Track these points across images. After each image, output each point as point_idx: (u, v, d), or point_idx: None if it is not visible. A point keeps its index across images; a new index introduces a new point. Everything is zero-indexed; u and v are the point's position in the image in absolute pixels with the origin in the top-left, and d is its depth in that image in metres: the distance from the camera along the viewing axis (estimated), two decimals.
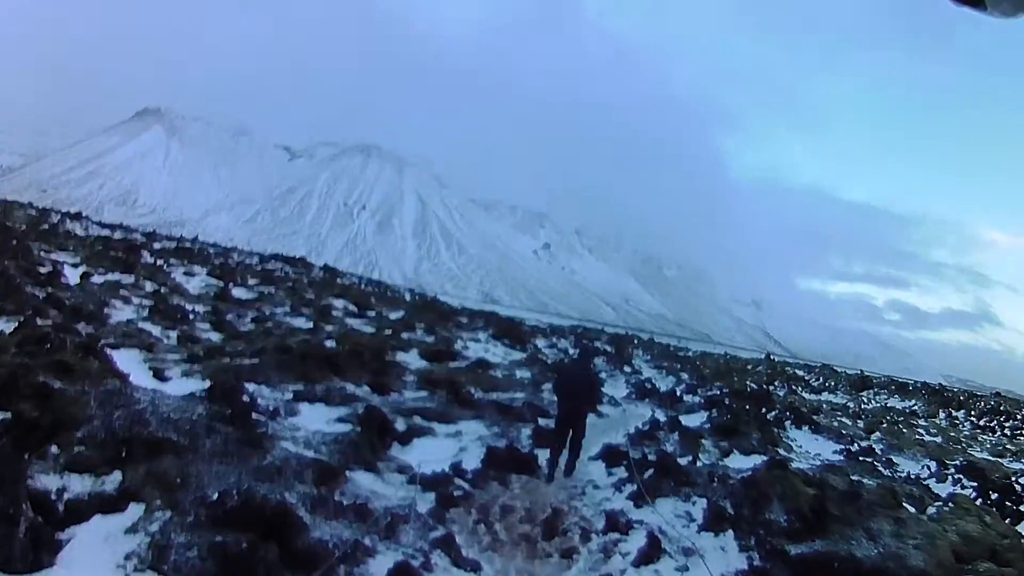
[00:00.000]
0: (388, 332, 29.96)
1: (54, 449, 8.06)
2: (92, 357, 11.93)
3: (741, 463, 15.52)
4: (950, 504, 12.71)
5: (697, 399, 27.82)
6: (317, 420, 13.72)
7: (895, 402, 44.50)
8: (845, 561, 9.17)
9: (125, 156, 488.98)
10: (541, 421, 17.65)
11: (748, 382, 41.14)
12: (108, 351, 13.41)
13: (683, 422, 20.12)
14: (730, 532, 10.60)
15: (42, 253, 30.01)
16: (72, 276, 26.31)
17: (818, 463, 18.02)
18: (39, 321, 15.72)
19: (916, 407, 42.39)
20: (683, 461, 14.81)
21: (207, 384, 13.04)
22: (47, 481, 7.49)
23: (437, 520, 9.83)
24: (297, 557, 7.45)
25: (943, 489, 17.24)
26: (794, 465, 16.07)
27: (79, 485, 7.73)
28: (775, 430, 21.83)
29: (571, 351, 41.76)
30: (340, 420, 13.95)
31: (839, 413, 32.10)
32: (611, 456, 15.08)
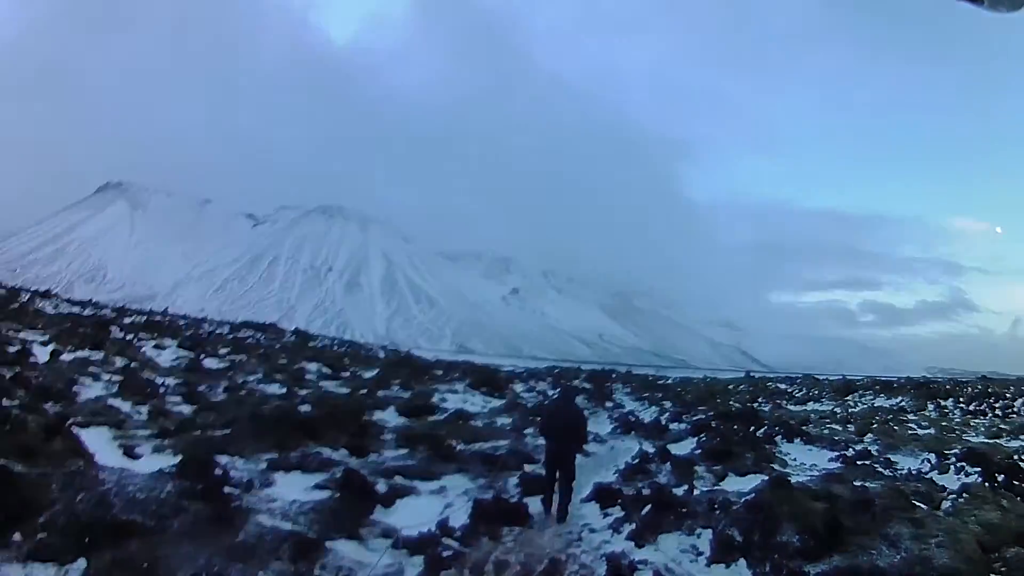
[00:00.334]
0: (363, 391, 29.46)
1: (17, 537, 7.67)
2: (58, 437, 11.40)
3: (739, 485, 15.06)
4: (964, 495, 12.34)
5: (683, 426, 27.38)
6: (293, 489, 12.98)
7: (882, 401, 44.24)
8: (869, 574, 8.63)
9: (91, 232, 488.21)
10: (527, 467, 17.07)
11: (732, 402, 40.59)
12: (76, 430, 12.85)
13: (673, 451, 19.58)
14: (742, 561, 10.01)
15: (11, 332, 29.52)
16: (41, 354, 25.84)
17: (817, 473, 17.43)
18: (4, 402, 15.08)
19: (904, 403, 42.13)
20: (679, 491, 14.23)
21: (178, 459, 12.43)
22: (10, 571, 7.16)
23: None
24: None
25: (947, 480, 16.76)
26: (793, 479, 15.61)
27: (43, 574, 7.34)
28: (767, 447, 21.43)
29: (551, 393, 41.00)
30: (318, 487, 13.23)
31: (828, 420, 31.77)
32: (604, 496, 14.34)
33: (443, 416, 25.12)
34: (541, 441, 17.23)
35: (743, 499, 11.63)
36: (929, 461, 19.40)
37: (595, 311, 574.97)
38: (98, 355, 28.30)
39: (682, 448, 21.15)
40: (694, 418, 29.56)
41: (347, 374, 37.71)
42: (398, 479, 14.92)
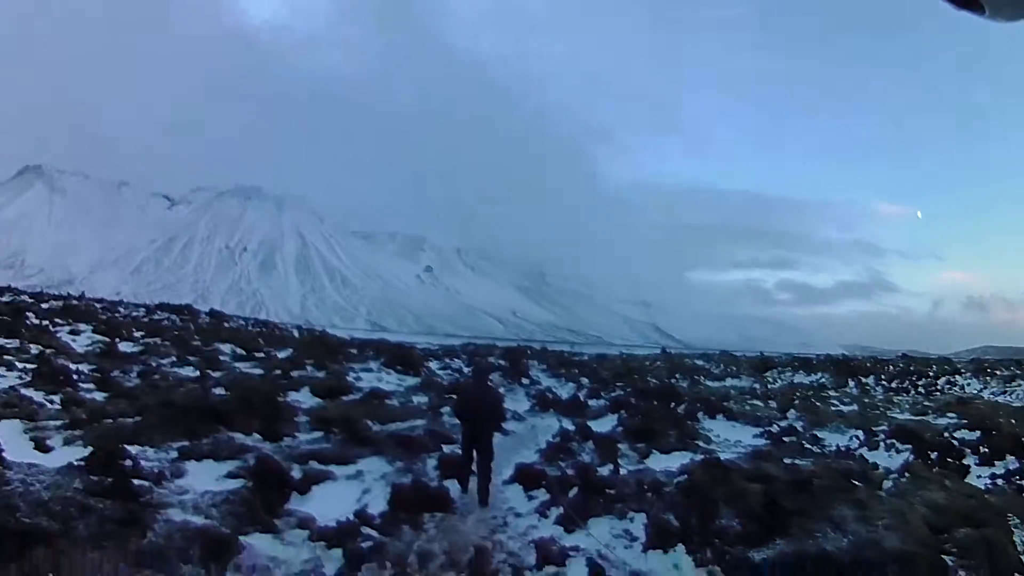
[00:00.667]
0: (277, 373, 28.49)
1: None
2: None
3: (664, 463, 14.81)
4: (906, 475, 12.07)
5: (602, 403, 27.14)
6: (206, 479, 12.13)
7: (801, 378, 44.44)
8: (817, 559, 8.19)
9: (9, 217, 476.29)
10: (446, 448, 16.48)
11: (650, 379, 40.16)
12: None
13: (593, 429, 19.22)
14: (680, 547, 9.40)
15: None
16: None
17: (744, 451, 17.39)
18: None
19: (824, 380, 42.37)
20: (604, 471, 13.75)
21: (88, 451, 11.62)
22: None
23: None
24: None
25: (878, 457, 16.72)
26: (720, 457, 15.32)
27: None
28: (690, 424, 21.17)
29: (466, 371, 40.66)
30: (230, 476, 12.41)
31: (748, 397, 31.54)
32: (527, 477, 13.76)
33: (358, 396, 24.44)
34: (458, 421, 16.84)
35: (675, 481, 11.21)
36: (857, 438, 19.42)
37: (509, 289, 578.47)
38: (13, 343, 27.37)
39: (603, 425, 20.78)
40: (612, 394, 29.42)
41: (261, 355, 36.67)
42: (313, 464, 14.06)
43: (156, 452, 13.68)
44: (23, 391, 18.98)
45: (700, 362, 60.64)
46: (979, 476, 14.98)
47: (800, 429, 21.05)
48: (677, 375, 45.71)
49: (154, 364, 27.99)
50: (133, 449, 12.72)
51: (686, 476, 10.83)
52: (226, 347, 37.45)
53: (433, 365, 42.95)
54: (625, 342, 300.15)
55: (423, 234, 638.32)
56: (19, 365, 22.90)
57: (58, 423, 15.76)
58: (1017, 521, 10.21)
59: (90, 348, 30.95)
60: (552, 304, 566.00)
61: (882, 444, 18.25)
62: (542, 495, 12.62)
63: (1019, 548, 9.28)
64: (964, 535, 8.88)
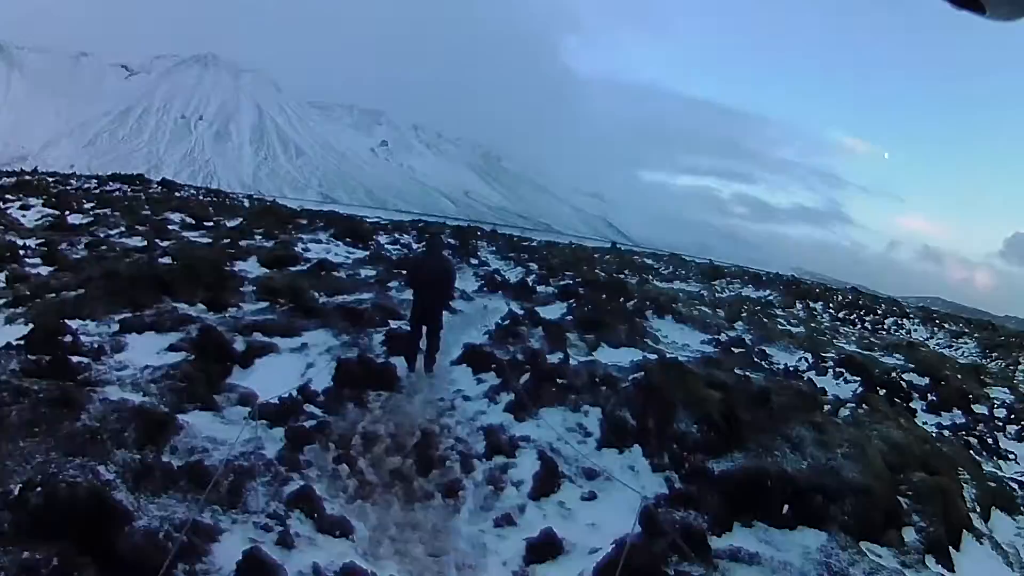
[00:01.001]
0: (225, 242, 28.05)
1: None
2: None
3: (613, 358, 14.54)
4: (863, 406, 11.93)
5: (551, 290, 26.83)
6: (146, 352, 11.58)
7: (749, 292, 44.79)
8: (777, 478, 7.93)
9: None
10: (392, 323, 16.04)
11: (598, 271, 40.14)
12: None
13: (542, 315, 18.82)
14: (637, 448, 9.15)
15: None
16: None
17: (692, 355, 17.24)
18: None
19: (772, 297, 42.63)
20: (554, 359, 13.35)
21: (29, 328, 11.35)
22: None
23: (290, 467, 7.79)
24: (122, 565, 5.45)
25: (826, 383, 16.88)
26: (669, 357, 15.17)
27: None
28: (638, 320, 20.99)
29: (416, 247, 40.30)
30: (172, 348, 11.87)
31: (696, 302, 31.42)
32: (476, 359, 13.35)
33: (306, 267, 24.08)
34: (406, 295, 17.07)
35: (631, 377, 10.81)
36: (806, 360, 19.39)
37: (463, 169, 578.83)
38: None
39: (551, 312, 20.45)
40: (561, 283, 29.09)
41: (210, 224, 36.24)
42: (257, 336, 13.56)
43: (98, 325, 13.11)
44: None
45: (649, 261, 60.73)
46: (925, 423, 14.99)
47: (749, 342, 21.00)
48: (626, 271, 45.77)
49: (102, 235, 27.45)
50: (75, 324, 12.33)
51: (643, 373, 10.44)
52: (176, 216, 36.96)
53: (382, 239, 42.54)
54: (575, 233, 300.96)
55: (381, 108, 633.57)
56: None
57: (1, 301, 15.32)
58: (967, 476, 10.25)
59: (39, 222, 30.42)
60: (505, 188, 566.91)
61: (831, 371, 18.30)
62: (491, 379, 12.22)
63: (967, 503, 9.30)
64: (920, 480, 8.82)
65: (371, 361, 12.09)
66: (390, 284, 21.82)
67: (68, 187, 50.70)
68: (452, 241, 45.63)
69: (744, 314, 28.86)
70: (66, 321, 12.05)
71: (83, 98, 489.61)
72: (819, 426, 9.18)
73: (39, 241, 24.02)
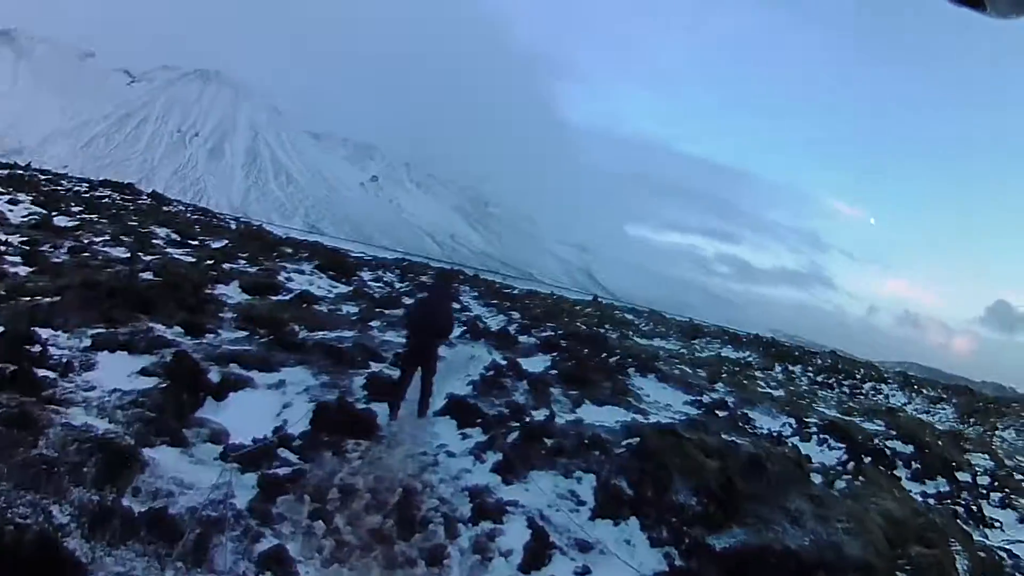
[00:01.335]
0: (209, 262, 28.02)
1: None
2: None
3: (596, 416, 14.38)
4: (861, 478, 11.61)
5: (532, 340, 26.57)
6: (117, 374, 11.00)
7: (729, 352, 44.67)
8: (780, 554, 7.59)
9: None
10: (374, 366, 15.70)
11: (579, 323, 40.16)
12: None
13: (524, 366, 18.49)
14: (634, 520, 8.63)
15: None
16: None
17: (674, 416, 16.91)
18: None
19: (751, 359, 42.52)
20: (539, 415, 13.13)
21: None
22: None
23: (262, 520, 7.24)
24: None
25: (810, 450, 16.33)
26: (652, 418, 15.14)
27: None
28: (620, 378, 20.52)
29: (398, 285, 40.98)
30: (144, 372, 11.31)
31: (677, 361, 31.14)
32: (460, 411, 12.90)
33: (287, 297, 23.94)
34: (387, 336, 17.67)
35: (625, 443, 10.36)
36: (790, 425, 18.93)
37: (450, 211, 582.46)
38: None
39: (534, 364, 20.07)
40: (543, 334, 28.82)
41: (196, 243, 36.18)
42: (233, 367, 13.06)
43: (69, 338, 12.60)
44: None
45: (630, 316, 60.90)
46: (910, 491, 14.72)
47: (731, 404, 20.53)
48: (607, 325, 45.74)
49: (86, 241, 27.22)
50: (46, 333, 11.95)
51: (639, 439, 10.03)
52: (162, 231, 36.84)
53: (365, 275, 42.71)
54: (556, 283, 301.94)
55: (375, 143, 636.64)
56: None
57: None
58: (959, 547, 9.89)
59: (25, 219, 30.12)
60: (490, 233, 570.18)
61: (815, 437, 17.88)
62: (477, 434, 11.77)
63: (961, 575, 9.03)
64: (917, 554, 8.48)
65: (351, 406, 11.57)
66: (372, 323, 21.65)
67: (59, 187, 51.08)
68: (456, 285, 45.76)
69: (724, 375, 28.52)
70: (37, 329, 11.68)
71: (85, 98, 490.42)
72: (817, 499, 8.86)
73: (22, 239, 23.80)
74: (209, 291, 20.34)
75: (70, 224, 31.56)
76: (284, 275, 29.64)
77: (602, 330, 39.31)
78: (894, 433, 20.02)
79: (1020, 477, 19.59)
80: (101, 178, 74.49)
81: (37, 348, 10.61)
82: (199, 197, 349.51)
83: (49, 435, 7.02)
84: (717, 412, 18.84)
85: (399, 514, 8.23)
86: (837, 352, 62.36)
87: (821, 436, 17.84)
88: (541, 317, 37.99)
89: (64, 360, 10.95)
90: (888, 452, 17.25)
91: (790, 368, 41.33)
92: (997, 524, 14.15)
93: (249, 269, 29.09)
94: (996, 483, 17.33)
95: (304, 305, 22.87)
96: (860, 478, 12.06)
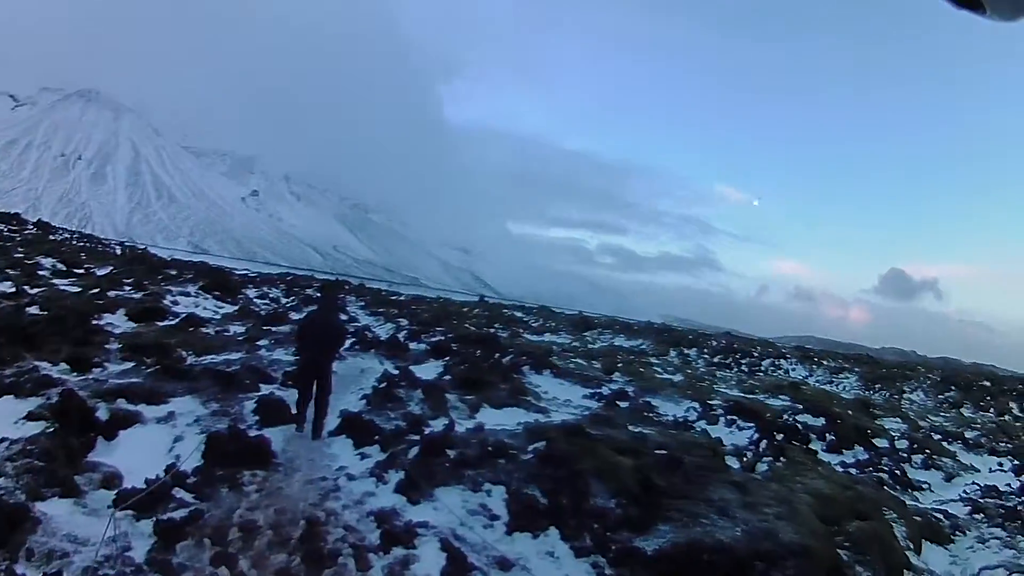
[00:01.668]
0: (94, 291, 26.89)
1: None
2: None
3: (496, 419, 13.93)
4: (782, 458, 11.40)
5: (423, 346, 26.33)
6: (4, 421, 10.02)
7: (622, 341, 45.03)
8: (714, 550, 7.23)
9: None
10: (264, 388, 15.12)
11: (468, 326, 39.67)
12: None
13: (417, 374, 18.06)
14: (553, 530, 8.18)
15: None
16: None
17: (575, 411, 16.54)
18: None
19: (644, 346, 42.82)
20: (437, 424, 12.73)
21: None
22: None
23: (162, 572, 6.59)
24: None
25: (719, 432, 16.22)
26: (554, 416, 14.78)
27: None
28: (516, 377, 20.19)
29: (283, 300, 40.96)
30: (31, 417, 10.35)
31: (571, 355, 31.01)
32: (356, 428, 12.36)
33: (174, 321, 23.21)
34: (276, 355, 17.34)
35: (532, 448, 9.94)
36: (695, 409, 18.80)
37: (331, 220, 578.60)
38: None
39: (426, 371, 19.72)
40: (432, 339, 28.61)
41: (81, 271, 35.02)
42: (121, 403, 12.14)
43: None
44: None
45: (519, 314, 60.77)
46: (828, 463, 14.65)
47: (631, 393, 20.32)
48: (497, 324, 45.64)
49: None
50: None
51: (545, 443, 9.59)
52: (47, 261, 35.47)
53: (251, 292, 42.45)
54: (442, 286, 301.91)
55: (254, 155, 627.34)
56: None
57: None
58: (894, 514, 9.84)
59: None
60: (372, 240, 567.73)
61: (722, 419, 17.73)
62: (375, 452, 11.21)
63: (900, 542, 8.96)
64: (856, 529, 8.35)
65: (243, 434, 10.84)
66: (260, 342, 21.22)
67: None
68: (343, 296, 45.24)
69: (620, 365, 28.33)
70: None
71: None
72: (740, 486, 8.69)
73: None
74: (96, 321, 19.62)
75: None
76: (170, 298, 28.91)
77: (492, 330, 39.12)
78: (801, 407, 20.16)
79: (938, 437, 19.98)
80: None
81: None
82: (85, 223, 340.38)
83: None
84: (618, 403, 18.67)
85: (305, 549, 7.57)
86: (732, 333, 63.32)
87: (728, 418, 17.77)
88: (430, 322, 37.74)
89: None
90: (800, 427, 17.24)
91: (685, 352, 41.78)
92: (925, 486, 14.20)
93: (135, 295, 28.16)
94: (915, 445, 17.48)
95: (191, 328, 22.23)
96: (781, 458, 11.85)
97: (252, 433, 11.18)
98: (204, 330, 22.72)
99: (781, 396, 23.63)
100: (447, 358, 22.48)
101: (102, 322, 20.09)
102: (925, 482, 14.49)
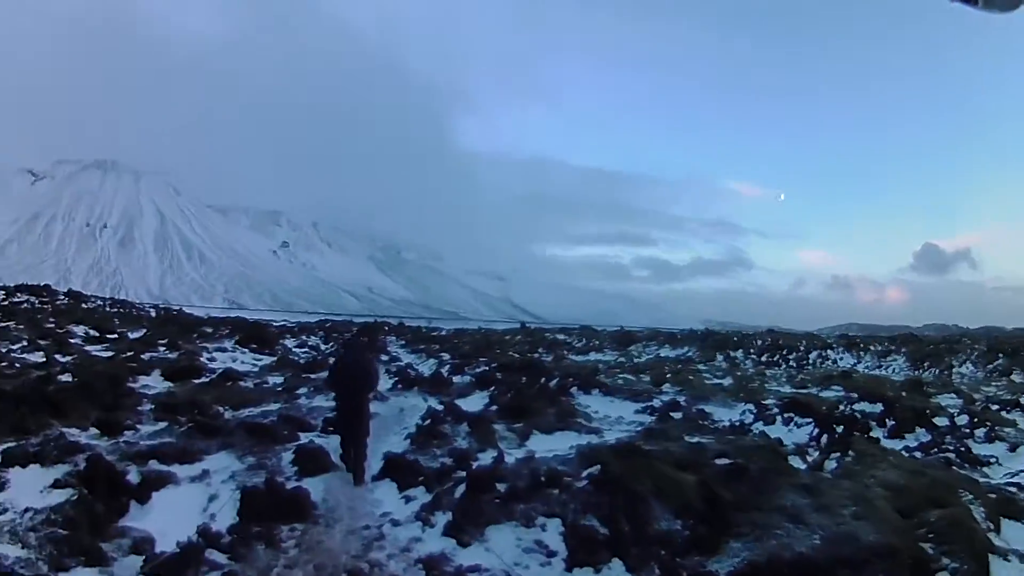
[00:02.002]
0: (127, 354, 26.95)
1: None
2: None
3: (548, 445, 13.39)
4: (850, 453, 10.72)
5: (467, 378, 26.03)
6: (30, 491, 9.63)
7: (667, 352, 44.73)
8: (793, 563, 6.62)
9: None
10: (303, 437, 14.64)
11: (511, 353, 39.42)
12: None
13: (462, 408, 17.54)
14: (616, 563, 7.47)
15: None
16: None
17: (629, 428, 16.20)
18: None
19: (690, 353, 42.44)
20: (486, 458, 11.98)
21: None
22: None
23: None
24: None
25: (778, 431, 15.68)
26: (607, 436, 14.29)
27: None
28: (564, 399, 19.78)
29: (323, 347, 40.95)
30: (57, 484, 9.92)
31: (618, 370, 30.77)
32: (399, 471, 11.82)
33: (210, 378, 22.90)
34: (315, 403, 17.20)
35: (585, 473, 9.22)
36: (751, 412, 18.26)
37: (364, 263, 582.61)
38: None
39: (472, 404, 19.33)
40: (476, 370, 28.25)
41: (115, 336, 35.28)
42: (153, 464, 11.77)
43: None
44: None
45: (561, 336, 60.62)
46: (894, 451, 13.99)
47: (684, 403, 19.75)
48: (540, 349, 45.50)
49: (4, 350, 25.99)
50: None
51: (599, 467, 8.95)
52: (80, 329, 35.88)
53: (289, 343, 42.70)
54: (480, 317, 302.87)
55: (279, 208, 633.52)
56: None
57: None
58: (970, 496, 9.09)
59: None
60: (407, 279, 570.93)
61: (779, 418, 17.16)
62: (421, 494, 10.61)
63: (982, 525, 8.25)
64: (936, 517, 7.67)
65: (280, 488, 10.31)
66: (299, 391, 20.95)
67: None
68: (383, 337, 45.24)
69: (668, 375, 27.88)
70: None
71: None
72: (811, 488, 8.06)
73: None
74: (131, 384, 19.37)
75: None
76: (206, 356, 29.03)
77: (536, 355, 38.99)
78: (855, 395, 19.76)
79: (995, 407, 19.27)
80: (16, 283, 72.63)
81: None
82: (118, 289, 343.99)
83: None
84: (671, 415, 18.19)
85: None
86: (774, 329, 62.74)
87: (785, 416, 17.29)
88: (472, 354, 37.36)
89: None
90: (858, 416, 16.71)
91: (732, 355, 41.47)
92: (992, 460, 13.62)
93: (169, 355, 28.21)
94: (975, 419, 16.86)
95: (228, 383, 21.99)
96: (849, 452, 11.16)
97: (290, 485, 10.72)
98: (242, 384, 22.46)
99: (833, 387, 23.28)
100: (492, 388, 22.02)
101: (136, 384, 19.91)
102: (992, 456, 13.89)
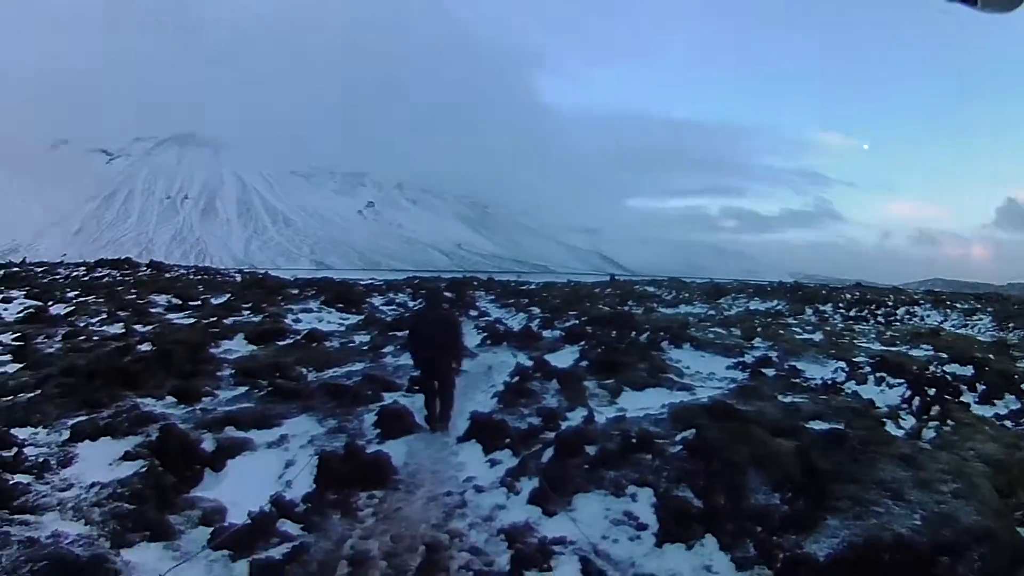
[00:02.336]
0: (211, 320, 26.93)
1: None
2: None
3: (640, 402, 13.04)
4: (949, 422, 10.10)
5: (556, 333, 25.69)
6: (98, 464, 9.68)
7: (756, 305, 44.08)
8: (894, 547, 6.05)
9: None
10: (387, 397, 14.48)
11: (602, 306, 39.11)
12: None
13: (552, 363, 17.20)
14: (710, 539, 7.03)
15: None
16: None
17: (721, 385, 15.69)
18: None
19: (780, 307, 41.84)
20: (576, 418, 11.76)
21: None
22: None
23: None
24: None
25: (870, 392, 15.10)
26: (699, 392, 14.03)
27: None
28: (655, 354, 19.47)
29: (411, 304, 40.20)
30: (127, 457, 9.93)
31: (708, 324, 30.07)
32: (486, 431, 11.44)
33: (294, 340, 22.97)
34: (401, 361, 17.00)
35: (679, 438, 8.79)
36: (842, 370, 17.62)
37: (452, 220, 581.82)
38: None
39: (562, 359, 18.97)
40: (566, 324, 27.89)
41: (197, 303, 35.24)
42: (229, 431, 11.77)
43: (49, 433, 11.33)
44: None
45: (651, 288, 59.87)
46: (987, 418, 13.27)
47: (775, 359, 19.28)
48: (630, 302, 45.02)
49: (82, 324, 26.33)
50: (24, 432, 10.81)
51: (695, 431, 8.52)
52: (161, 299, 35.92)
53: (377, 300, 42.34)
54: (571, 270, 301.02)
55: (363, 170, 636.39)
56: None
57: None
58: None
59: (20, 315, 29.19)
60: (496, 235, 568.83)
61: (870, 378, 16.53)
62: (507, 458, 10.30)
63: None
64: None
65: (360, 452, 10.12)
66: (384, 350, 20.83)
67: (56, 276, 50.82)
68: (448, 295, 44.93)
69: (759, 329, 27.33)
70: (12, 431, 10.50)
71: (67, 185, 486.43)
72: (911, 459, 7.48)
73: (14, 335, 22.80)
74: (213, 349, 19.50)
75: (66, 311, 30.59)
76: (291, 317, 28.92)
77: (626, 308, 38.63)
78: (945, 356, 18.96)
79: None
80: (97, 259, 73.84)
81: (12, 451, 9.48)
82: (202, 257, 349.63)
83: (2, 559, 5.86)
84: (763, 371, 17.72)
85: None
86: (861, 283, 61.61)
87: (877, 375, 16.62)
88: (561, 307, 36.87)
89: (40, 459, 9.65)
90: (949, 379, 15.96)
91: (821, 309, 40.86)
92: None
93: (254, 319, 28.25)
94: None
95: (313, 344, 22.04)
96: (948, 421, 10.56)
97: (370, 449, 10.54)
98: (327, 343, 22.48)
99: (923, 345, 22.51)
100: (582, 343, 21.74)
101: (219, 350, 20.02)
102: None
